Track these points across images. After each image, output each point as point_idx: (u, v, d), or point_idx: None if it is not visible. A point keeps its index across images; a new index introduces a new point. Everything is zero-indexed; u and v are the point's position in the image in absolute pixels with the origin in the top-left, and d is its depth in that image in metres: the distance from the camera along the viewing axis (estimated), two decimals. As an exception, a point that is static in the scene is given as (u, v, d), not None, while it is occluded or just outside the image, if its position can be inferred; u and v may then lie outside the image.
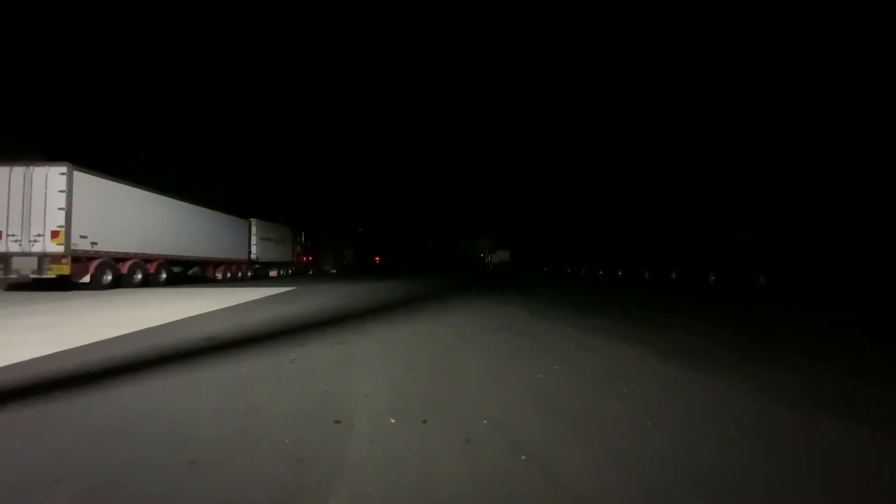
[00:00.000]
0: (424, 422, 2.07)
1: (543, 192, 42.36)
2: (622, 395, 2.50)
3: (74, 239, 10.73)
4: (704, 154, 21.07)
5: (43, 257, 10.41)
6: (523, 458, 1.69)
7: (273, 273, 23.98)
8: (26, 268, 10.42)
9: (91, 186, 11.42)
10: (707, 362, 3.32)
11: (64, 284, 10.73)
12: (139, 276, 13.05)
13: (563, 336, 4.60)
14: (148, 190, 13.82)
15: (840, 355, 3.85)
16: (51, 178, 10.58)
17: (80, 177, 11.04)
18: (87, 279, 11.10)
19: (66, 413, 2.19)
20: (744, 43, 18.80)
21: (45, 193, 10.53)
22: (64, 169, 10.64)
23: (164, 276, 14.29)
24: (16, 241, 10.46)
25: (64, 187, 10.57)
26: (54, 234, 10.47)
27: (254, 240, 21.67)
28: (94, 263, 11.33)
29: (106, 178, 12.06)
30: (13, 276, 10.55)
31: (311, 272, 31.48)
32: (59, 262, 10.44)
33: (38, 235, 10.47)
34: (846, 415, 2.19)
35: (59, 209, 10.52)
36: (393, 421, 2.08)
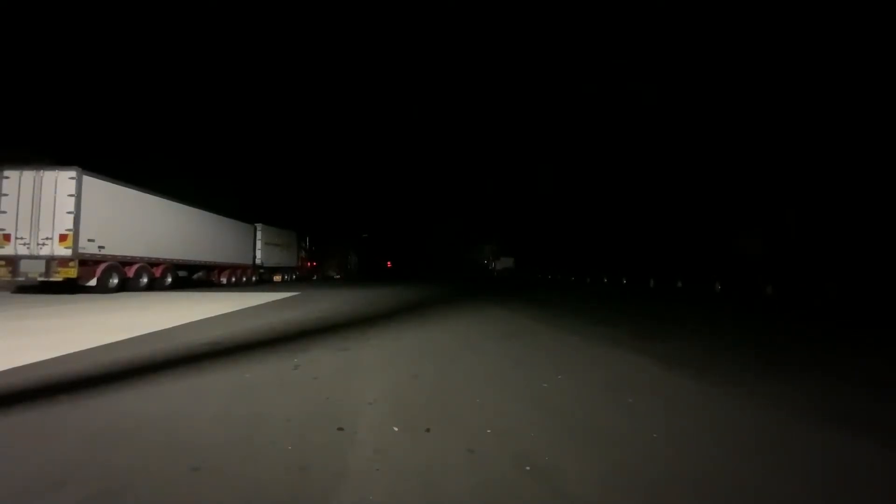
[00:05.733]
0: (428, 431, 2.05)
1: (548, 200, 42.36)
2: (628, 406, 2.47)
3: (82, 242, 10.85)
4: (710, 161, 21.01)
5: (51, 260, 10.53)
6: (528, 469, 1.67)
7: (277, 278, 24.07)
8: (34, 270, 10.54)
9: (99, 191, 11.56)
10: (714, 373, 3.28)
11: (71, 287, 10.83)
12: (145, 280, 13.15)
13: (567, 344, 4.56)
14: (155, 195, 13.97)
15: (848, 366, 3.79)
16: (60, 183, 10.73)
17: (89, 181, 11.18)
18: (93, 282, 11.20)
19: (69, 418, 2.19)
20: (753, 46, 18.81)
21: (55, 197, 10.68)
22: (73, 173, 10.78)
23: (169, 280, 14.40)
24: (24, 244, 10.60)
25: (73, 191, 10.72)
26: (62, 238, 10.60)
27: (259, 245, 21.80)
28: (101, 267, 11.43)
29: (114, 183, 12.21)
30: (21, 278, 10.67)
31: (315, 277, 31.56)
32: (67, 266, 10.56)
33: (47, 239, 10.59)
34: (856, 427, 2.15)
35: (68, 213, 10.66)
36: (396, 429, 2.06)
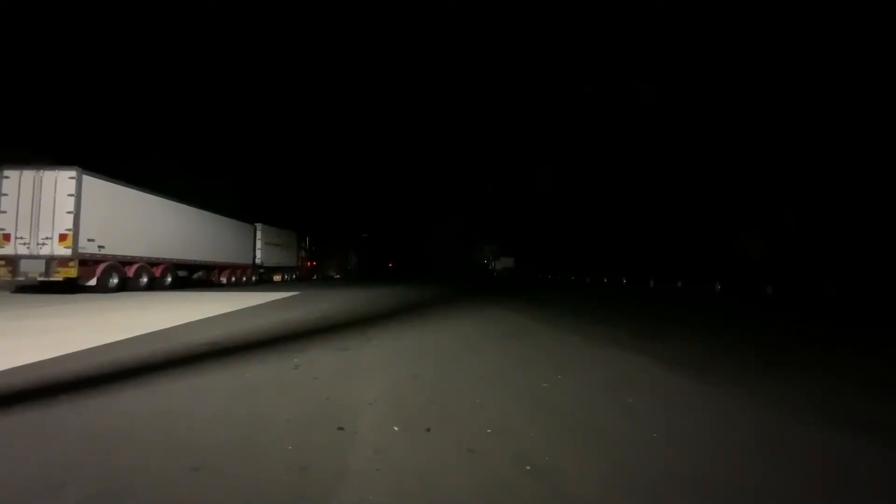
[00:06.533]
0: (428, 430, 2.05)
1: (548, 200, 42.39)
2: (628, 406, 2.47)
3: (82, 242, 10.84)
4: (710, 161, 21.02)
5: (51, 260, 10.53)
6: (528, 469, 1.67)
7: (277, 278, 24.07)
8: (34, 270, 10.53)
9: (99, 190, 11.56)
10: (714, 373, 3.28)
11: (71, 287, 10.83)
12: (145, 280, 13.15)
13: (567, 344, 4.56)
14: (155, 194, 13.97)
15: (848, 366, 3.79)
16: (60, 183, 10.73)
17: (89, 181, 11.18)
18: (93, 282, 11.20)
19: (69, 418, 2.19)
20: (753, 46, 18.79)
21: (55, 197, 10.68)
22: (73, 173, 10.78)
23: (169, 279, 14.40)
24: (24, 244, 10.59)
25: (73, 191, 10.71)
26: (62, 238, 10.59)
27: (259, 244, 21.81)
28: (101, 267, 11.43)
29: (114, 183, 12.21)
30: (21, 278, 10.68)
31: (315, 277, 31.56)
32: (67, 265, 10.55)
33: (47, 238, 10.59)
34: (856, 427, 2.15)
35: (68, 213, 10.66)
36: (396, 429, 2.06)
